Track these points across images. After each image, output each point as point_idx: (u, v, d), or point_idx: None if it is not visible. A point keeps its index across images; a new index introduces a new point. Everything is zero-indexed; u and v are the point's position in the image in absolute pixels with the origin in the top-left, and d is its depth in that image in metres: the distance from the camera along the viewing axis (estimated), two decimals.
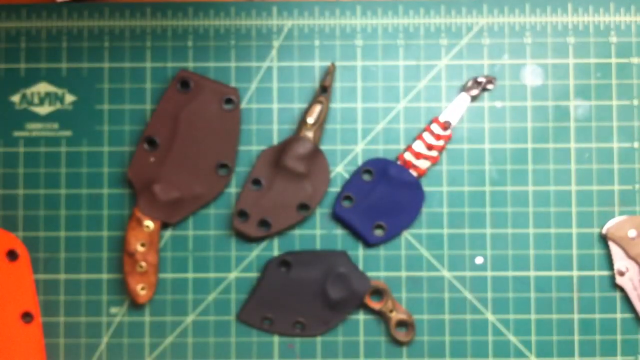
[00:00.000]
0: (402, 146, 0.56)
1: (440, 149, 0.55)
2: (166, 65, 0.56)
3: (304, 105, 0.56)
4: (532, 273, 0.55)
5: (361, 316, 0.55)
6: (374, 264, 0.55)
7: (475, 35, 0.56)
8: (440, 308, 0.55)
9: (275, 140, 0.56)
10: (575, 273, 0.55)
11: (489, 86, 0.55)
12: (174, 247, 0.55)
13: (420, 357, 0.54)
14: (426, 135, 0.55)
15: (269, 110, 0.56)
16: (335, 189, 0.55)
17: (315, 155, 0.54)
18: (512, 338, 0.55)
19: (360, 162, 0.55)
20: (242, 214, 0.54)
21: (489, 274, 0.55)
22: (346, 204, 0.55)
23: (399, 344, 0.54)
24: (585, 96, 0.56)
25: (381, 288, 0.54)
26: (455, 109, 0.55)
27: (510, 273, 0.55)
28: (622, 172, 0.55)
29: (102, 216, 0.55)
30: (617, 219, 0.55)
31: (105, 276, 0.55)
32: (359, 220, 0.54)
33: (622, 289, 0.55)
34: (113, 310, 0.55)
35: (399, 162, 0.55)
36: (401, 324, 0.54)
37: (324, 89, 0.55)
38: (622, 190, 0.55)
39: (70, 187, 0.55)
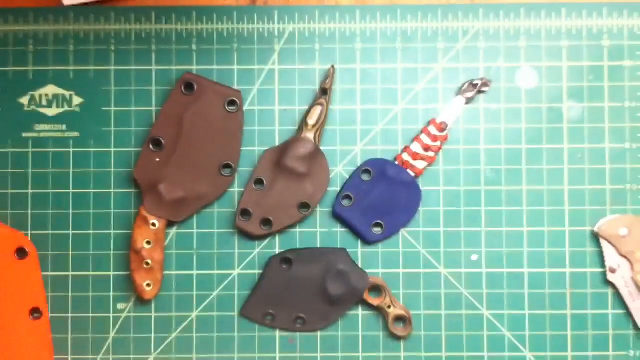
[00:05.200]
0: (400, 147, 0.56)
1: (437, 150, 0.55)
2: (171, 68, 0.56)
3: (305, 107, 0.56)
4: (526, 270, 0.55)
5: (360, 312, 0.55)
6: (373, 261, 0.56)
7: (471, 39, 0.56)
8: (437, 304, 0.55)
9: (277, 141, 0.56)
10: (568, 270, 0.55)
11: (485, 88, 0.56)
12: (179, 245, 0.55)
13: (418, 352, 0.55)
14: (423, 137, 0.55)
15: (271, 111, 0.56)
16: (335, 188, 0.56)
17: (316, 155, 0.55)
18: (507, 333, 0.55)
19: (359, 162, 0.56)
20: (245, 213, 0.55)
21: (484, 270, 0.55)
22: (346, 203, 0.55)
23: (397, 338, 0.55)
24: (578, 98, 0.56)
25: (379, 284, 0.54)
26: (452, 110, 0.55)
27: (504, 270, 0.55)
28: (613, 172, 0.56)
29: (109, 215, 0.55)
30: (609, 217, 0.55)
31: (112, 273, 0.55)
32: (358, 219, 0.55)
33: (613, 286, 0.55)
34: (120, 306, 0.55)
35: (397, 163, 0.55)
36: (399, 319, 0.55)
37: (324, 91, 0.55)
38: (613, 190, 0.56)
39: (77, 187, 0.55)
